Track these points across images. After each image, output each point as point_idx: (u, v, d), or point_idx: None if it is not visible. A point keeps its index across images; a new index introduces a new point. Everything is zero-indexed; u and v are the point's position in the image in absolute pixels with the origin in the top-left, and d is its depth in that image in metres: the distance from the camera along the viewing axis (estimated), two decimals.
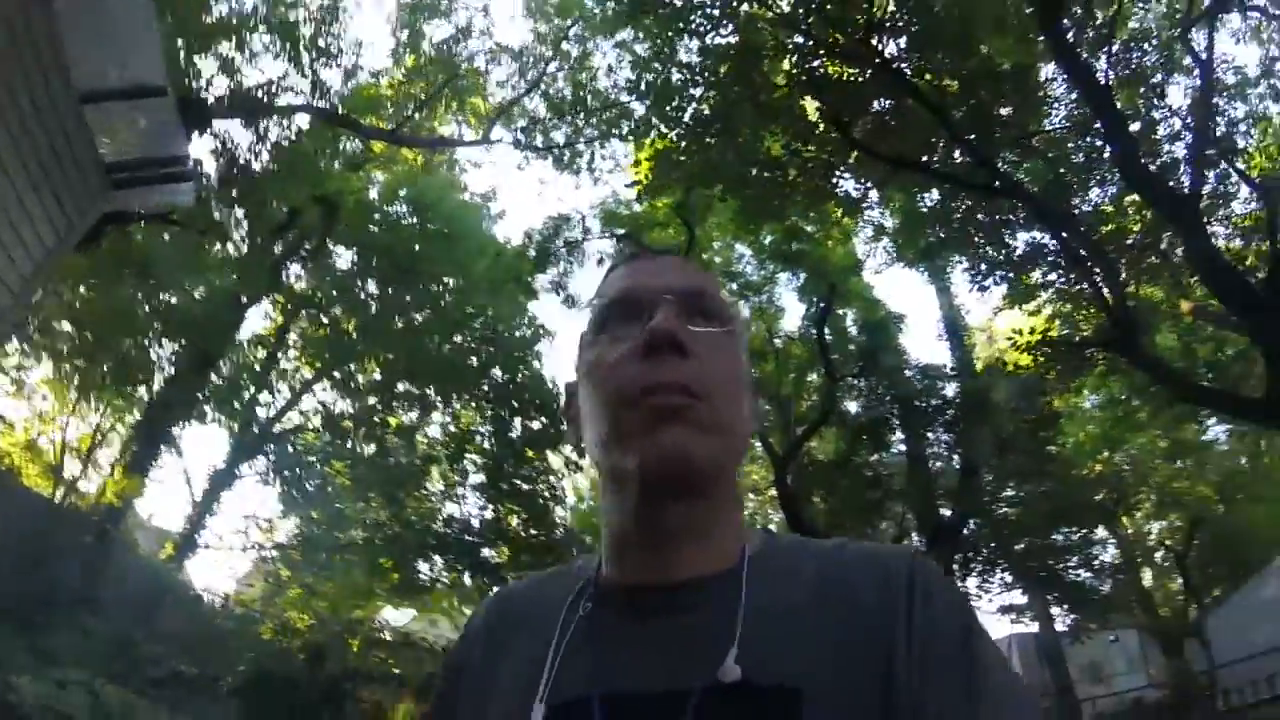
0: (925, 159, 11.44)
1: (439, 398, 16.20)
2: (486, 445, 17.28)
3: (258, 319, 15.78)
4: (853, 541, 0.79)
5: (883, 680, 0.66)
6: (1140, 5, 10.64)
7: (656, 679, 0.69)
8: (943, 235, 13.45)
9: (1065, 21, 9.18)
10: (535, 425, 17.63)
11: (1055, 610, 17.98)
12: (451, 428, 16.77)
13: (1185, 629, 20.12)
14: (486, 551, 16.13)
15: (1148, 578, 22.50)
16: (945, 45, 10.25)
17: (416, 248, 14.21)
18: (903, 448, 17.40)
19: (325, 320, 14.84)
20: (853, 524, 20.26)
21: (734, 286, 20.84)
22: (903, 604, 0.69)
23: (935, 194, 12.99)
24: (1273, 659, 14.74)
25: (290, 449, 15.32)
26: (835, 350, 17.43)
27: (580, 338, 0.87)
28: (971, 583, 16.28)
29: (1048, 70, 11.01)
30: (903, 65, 10.66)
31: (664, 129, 12.70)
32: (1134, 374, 12.07)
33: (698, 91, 11.82)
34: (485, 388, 17.00)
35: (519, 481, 17.13)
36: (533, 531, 16.78)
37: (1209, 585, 20.88)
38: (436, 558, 15.60)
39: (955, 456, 16.63)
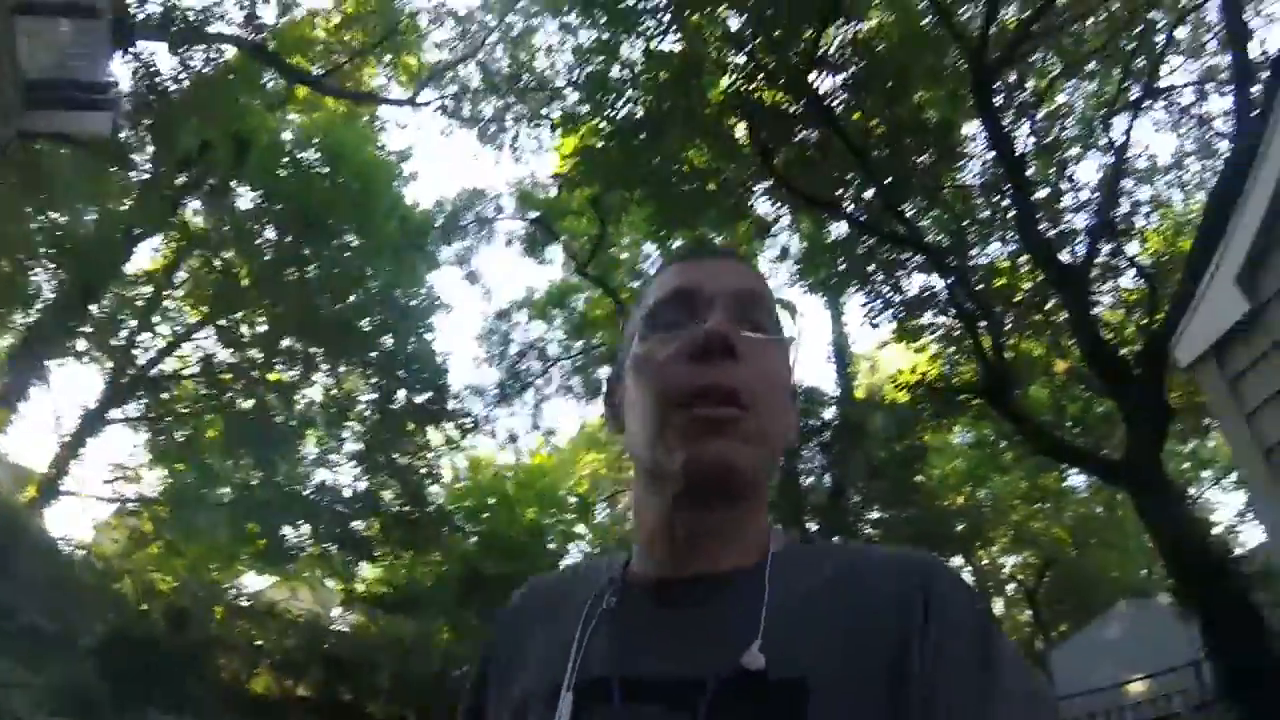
0: (840, 193, 11.85)
1: (325, 358, 15.52)
2: (367, 414, 16.72)
3: (147, 254, 14.71)
4: (875, 545, 0.81)
5: (894, 676, 0.66)
6: (1070, 83, 11.30)
7: (674, 666, 0.71)
8: (843, 268, 13.94)
9: (996, 84, 9.67)
10: (420, 399, 17.20)
11: None
12: (334, 391, 16.12)
13: (1031, 660, 21.68)
14: (357, 523, 15.63)
15: (999, 607, 24.12)
16: (879, 89, 10.59)
17: (324, 199, 13.54)
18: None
19: (218, 263, 13.93)
20: None
21: (635, 284, 21.04)
22: (919, 603, 0.70)
23: (844, 226, 13.45)
24: (1110, 695, 16.16)
25: (165, 396, 14.35)
26: None
27: (627, 328, 0.88)
28: None
29: (970, 127, 11.55)
30: (835, 102, 10.97)
31: (594, 123, 12.62)
32: (1002, 423, 12.88)
33: (633, 92, 11.81)
34: (373, 354, 16.43)
35: (396, 455, 16.68)
36: (405, 507, 16.38)
37: (1056, 621, 22.48)
38: (305, 525, 15.01)
39: (827, 476, 17.31)
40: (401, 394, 17.03)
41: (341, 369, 16.02)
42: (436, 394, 17.32)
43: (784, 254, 17.04)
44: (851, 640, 0.69)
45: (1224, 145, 10.54)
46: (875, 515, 17.13)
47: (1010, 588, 24.31)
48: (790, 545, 0.81)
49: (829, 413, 17.29)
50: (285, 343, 14.74)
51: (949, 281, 11.86)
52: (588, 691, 0.73)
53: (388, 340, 16.69)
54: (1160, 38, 9.96)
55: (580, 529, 22.03)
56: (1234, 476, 17.91)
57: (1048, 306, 11.97)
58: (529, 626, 0.85)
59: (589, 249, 18.42)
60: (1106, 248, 10.60)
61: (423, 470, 17.28)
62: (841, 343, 20.07)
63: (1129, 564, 21.90)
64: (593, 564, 0.90)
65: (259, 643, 12.95)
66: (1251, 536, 17.77)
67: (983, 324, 11.17)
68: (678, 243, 17.57)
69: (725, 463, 0.73)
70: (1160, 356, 7.92)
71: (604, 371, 22.15)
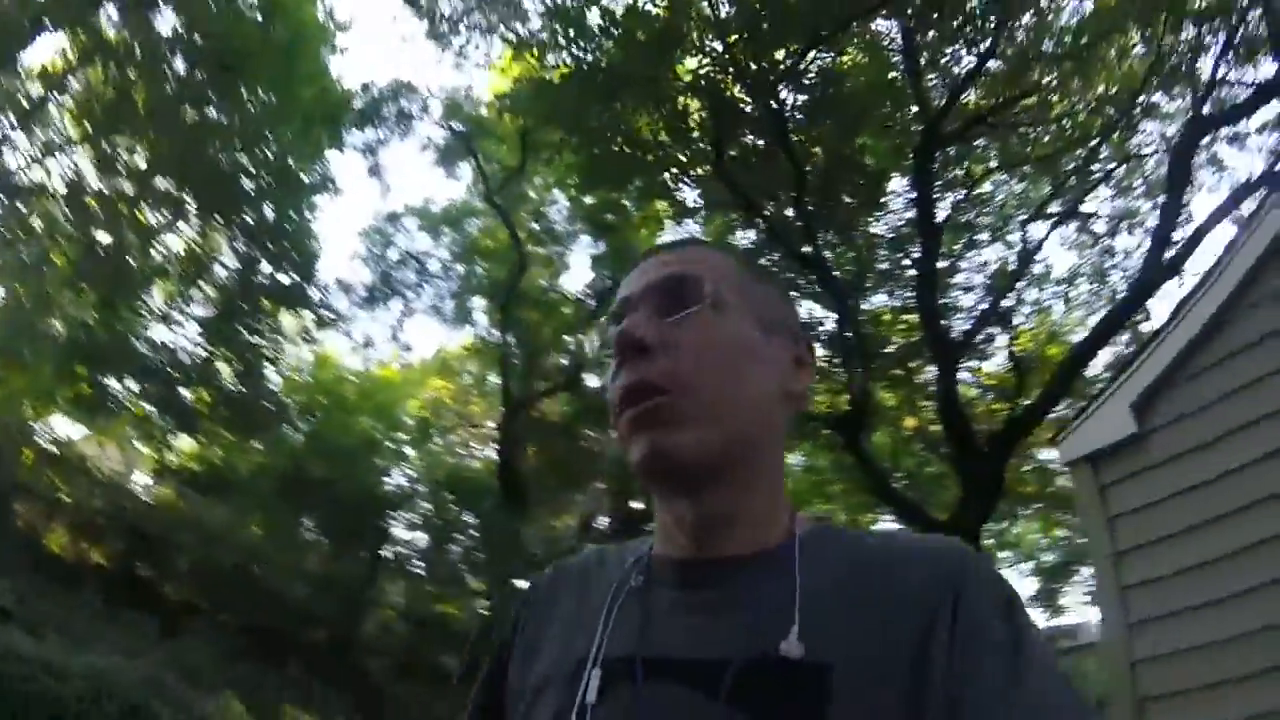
0: (767, 202, 12.18)
1: (197, 211, 14.32)
2: (225, 281, 15.62)
3: (48, 49, 12.95)
4: (905, 532, 0.86)
5: (918, 668, 0.65)
6: (1003, 178, 12.06)
7: (698, 647, 0.71)
8: None
9: (938, 154, 10.24)
10: (284, 277, 16.28)
11: None
12: (197, 248, 14.92)
13: None
14: (186, 392, 14.59)
15: None
16: (835, 121, 10.95)
17: (247, 45, 12.40)
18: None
19: (117, 81, 12.46)
20: (555, 484, 21.10)
21: (535, 227, 20.71)
22: (949, 593, 0.69)
23: (752, 235, 13.82)
24: None
25: (21, 208, 12.71)
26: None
27: None
28: None
29: (897, 184, 12.15)
30: (790, 117, 11.25)
31: (550, 57, 12.30)
32: (843, 456, 13.73)
33: (603, 41, 11.59)
34: (248, 219, 15.33)
35: (244, 330, 15.71)
36: (240, 388, 15.47)
37: None
38: (132, 381, 13.84)
39: None
40: (266, 268, 16.04)
41: (210, 225, 14.85)
42: (302, 277, 16.45)
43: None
44: (878, 628, 0.68)
45: (1119, 278, 11.63)
46: None
47: None
48: (817, 528, 0.80)
49: None
50: (161, 183, 13.47)
51: (838, 317, 12.50)
52: (611, 669, 0.73)
53: (267, 209, 15.63)
54: (1099, 167, 10.78)
55: (411, 453, 21.56)
56: (1029, 564, 19.89)
57: (912, 365, 12.88)
58: (553, 609, 0.86)
59: (502, 178, 17.96)
60: (987, 331, 11.48)
61: (267, 353, 16.38)
62: None
63: None
64: (619, 548, 0.89)
65: (62, 496, 11.89)
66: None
67: (856, 366, 11.86)
68: (590, 200, 17.49)
69: (657, 452, 0.73)
70: (1012, 441, 8.74)
71: (478, 301, 21.71)
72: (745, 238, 14.44)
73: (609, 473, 20.70)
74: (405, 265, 19.71)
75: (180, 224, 14.43)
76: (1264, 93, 8.35)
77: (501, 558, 15.04)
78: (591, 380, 20.20)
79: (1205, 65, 8.92)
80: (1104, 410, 4.39)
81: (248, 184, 14.78)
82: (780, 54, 10.42)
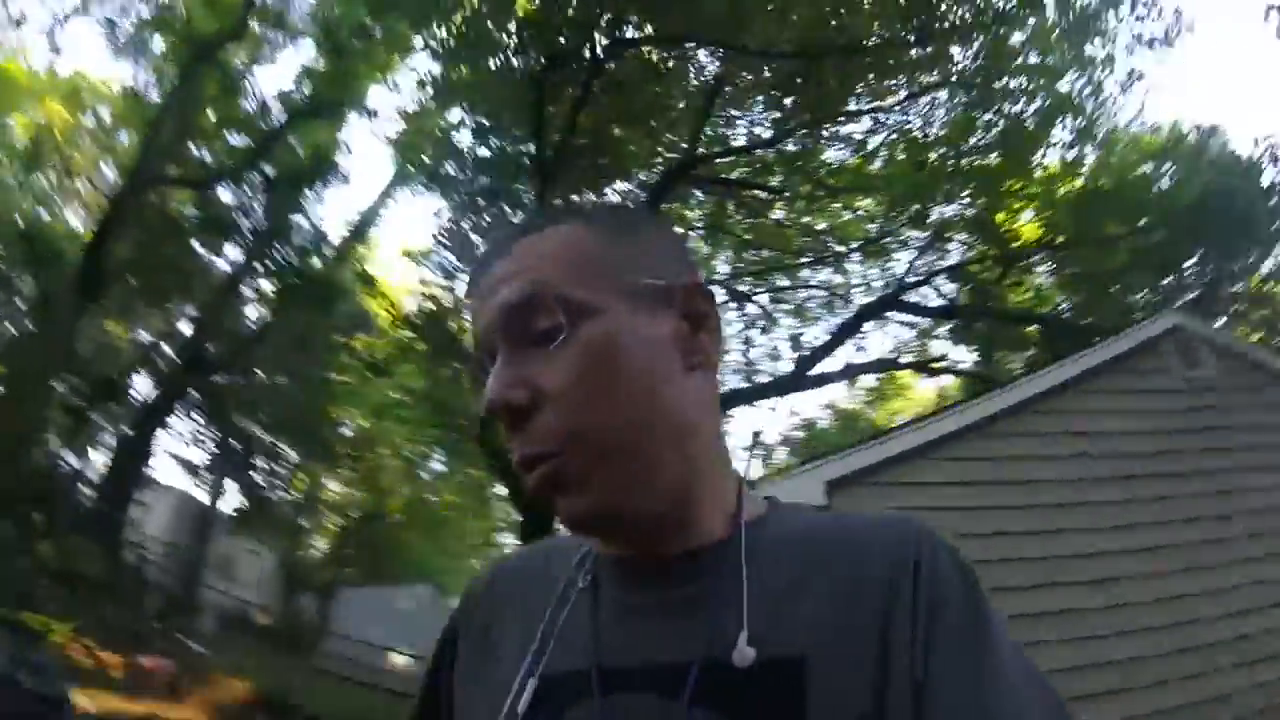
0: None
1: None
2: None
3: None
4: (860, 515, 0.76)
5: (881, 646, 0.64)
6: None
7: (655, 651, 0.68)
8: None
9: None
10: None
11: None
12: None
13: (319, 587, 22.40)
14: None
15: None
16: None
17: None
18: None
19: None
20: (145, 290, 18.18)
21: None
22: (906, 574, 0.67)
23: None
24: (376, 653, 18.33)
25: None
26: None
27: None
28: None
29: None
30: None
31: None
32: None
33: None
34: None
35: None
36: None
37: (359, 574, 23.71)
38: None
39: None
40: None
41: None
42: None
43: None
44: (839, 614, 0.66)
45: None
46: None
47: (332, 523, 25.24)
48: (768, 512, 0.76)
49: None
50: None
51: None
52: (565, 684, 0.69)
53: None
54: None
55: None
56: None
57: None
58: (500, 609, 0.80)
59: None
60: None
61: None
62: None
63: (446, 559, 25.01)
64: (566, 544, 0.82)
65: None
66: None
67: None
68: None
69: (574, 519, 0.69)
70: None
71: (162, 41, 17.58)
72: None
73: (206, 301, 18.41)
74: None
75: None
76: None
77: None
78: (226, 194, 17.80)
79: None
80: (797, 479, 4.99)
81: None
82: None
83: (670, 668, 0.66)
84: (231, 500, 20.42)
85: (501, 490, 19.91)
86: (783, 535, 0.73)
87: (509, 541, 27.49)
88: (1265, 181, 12.17)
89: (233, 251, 18.13)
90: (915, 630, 0.64)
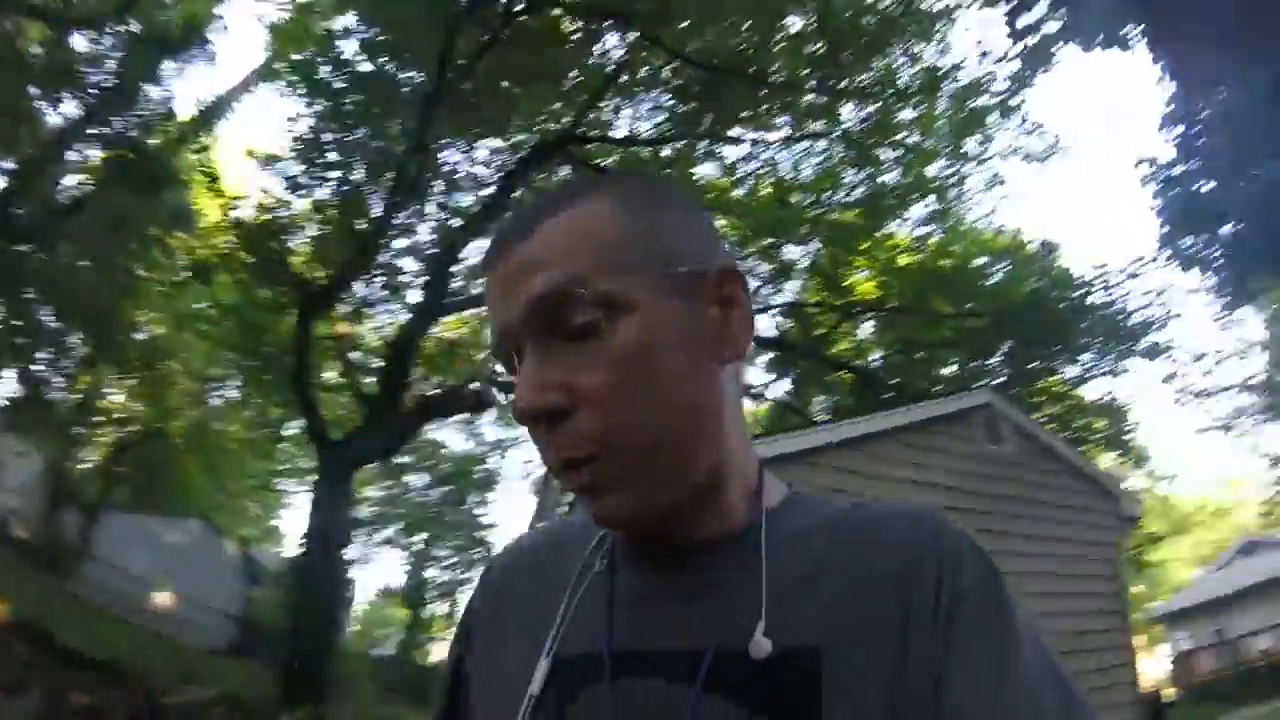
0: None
1: None
2: None
3: None
4: (882, 502, 0.75)
5: (901, 640, 0.63)
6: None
7: (669, 637, 0.67)
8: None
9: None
10: None
11: None
12: None
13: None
14: None
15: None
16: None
17: None
18: None
19: None
20: None
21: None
22: (928, 570, 0.65)
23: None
24: (139, 587, 16.64)
25: None
26: None
27: None
28: None
29: None
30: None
31: None
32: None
33: None
34: None
35: None
36: None
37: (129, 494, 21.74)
38: None
39: None
40: None
41: None
42: None
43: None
44: (860, 605, 0.65)
45: None
46: None
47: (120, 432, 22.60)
48: (790, 498, 0.76)
49: None
50: None
51: None
52: (577, 667, 0.68)
53: None
54: None
55: None
56: None
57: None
58: (517, 592, 0.79)
59: None
60: None
61: None
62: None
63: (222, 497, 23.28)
64: (583, 525, 0.80)
65: None
66: None
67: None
68: None
69: (611, 519, 0.67)
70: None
71: None
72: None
73: (27, 157, 15.92)
74: None
75: None
76: None
77: None
78: (82, 42, 15.51)
79: None
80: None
81: None
82: None
83: (685, 654, 0.65)
84: (5, 387, 17.43)
85: (292, 430, 18.83)
86: (803, 524, 0.72)
87: (290, 488, 25.75)
88: (1089, 301, 13.52)
89: (70, 109, 15.71)
90: (935, 623, 0.63)
